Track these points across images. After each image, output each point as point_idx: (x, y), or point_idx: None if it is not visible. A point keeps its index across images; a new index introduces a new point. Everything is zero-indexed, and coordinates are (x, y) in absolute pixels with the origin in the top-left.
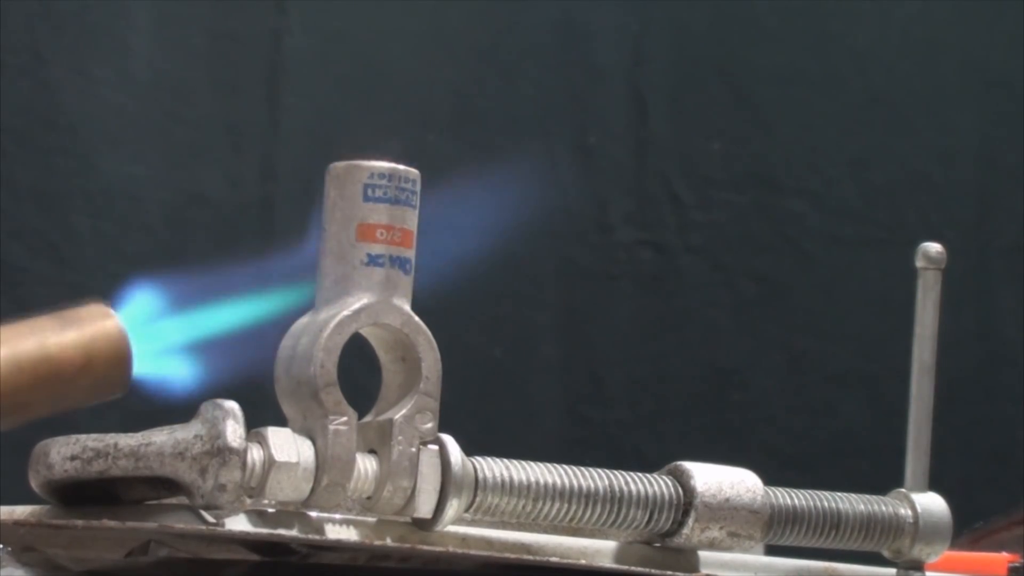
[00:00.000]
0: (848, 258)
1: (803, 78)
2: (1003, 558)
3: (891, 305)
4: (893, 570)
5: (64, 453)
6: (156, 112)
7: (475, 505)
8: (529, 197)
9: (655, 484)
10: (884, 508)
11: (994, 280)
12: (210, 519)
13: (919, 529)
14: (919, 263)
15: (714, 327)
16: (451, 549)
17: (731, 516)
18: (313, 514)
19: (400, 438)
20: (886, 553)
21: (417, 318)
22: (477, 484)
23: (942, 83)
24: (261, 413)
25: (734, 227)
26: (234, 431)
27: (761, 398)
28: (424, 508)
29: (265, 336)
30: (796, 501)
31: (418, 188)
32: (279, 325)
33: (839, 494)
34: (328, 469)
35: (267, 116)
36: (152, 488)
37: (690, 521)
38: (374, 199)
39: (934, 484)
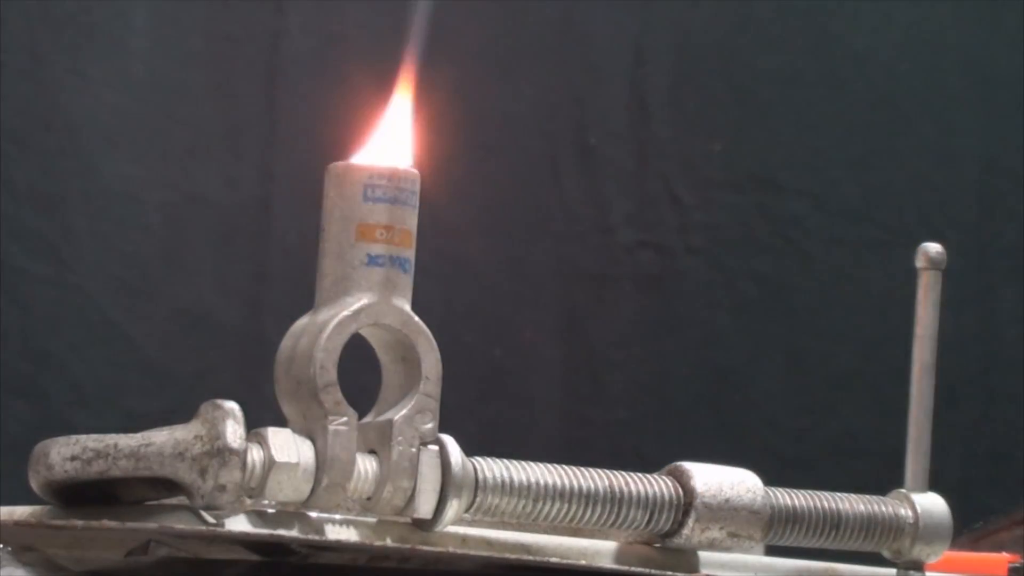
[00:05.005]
0: (848, 258)
1: (804, 78)
2: (1003, 558)
3: (891, 305)
4: (893, 570)
5: (64, 454)
6: (154, 113)
7: (475, 505)
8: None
9: (655, 484)
10: (884, 508)
11: (994, 280)
12: (210, 519)
13: (919, 529)
14: (919, 263)
15: (714, 328)
16: (451, 550)
17: (731, 516)
18: (313, 514)
19: (400, 438)
20: (886, 553)
21: (417, 318)
22: (477, 484)
23: (942, 83)
24: (261, 413)
25: (735, 228)
26: (234, 431)
27: (761, 398)
28: (424, 508)
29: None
30: (796, 501)
31: (418, 188)
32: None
33: (839, 494)
34: (328, 470)
35: (265, 117)
36: (152, 488)
37: (690, 521)
38: (373, 199)
39: (934, 484)
